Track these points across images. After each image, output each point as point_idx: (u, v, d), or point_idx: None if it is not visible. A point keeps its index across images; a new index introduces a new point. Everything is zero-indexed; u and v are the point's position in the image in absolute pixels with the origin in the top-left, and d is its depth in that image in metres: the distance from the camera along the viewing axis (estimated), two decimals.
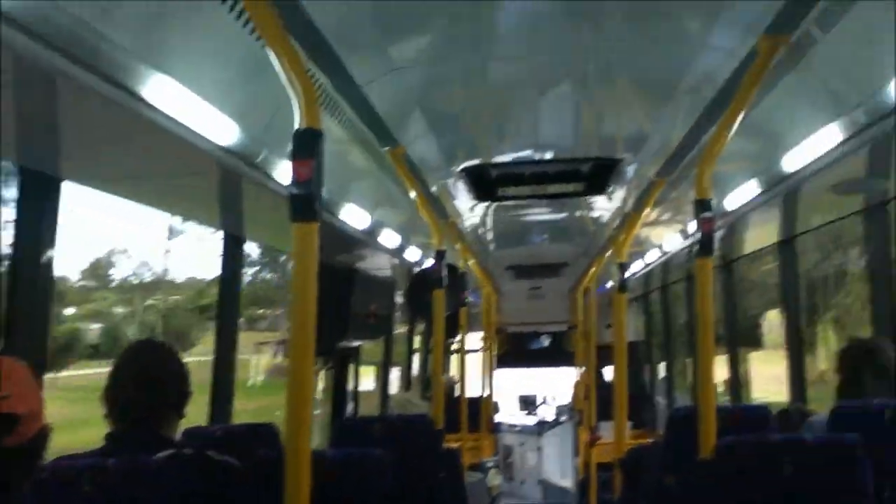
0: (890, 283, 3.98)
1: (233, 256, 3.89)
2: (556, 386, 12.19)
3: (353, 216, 4.18)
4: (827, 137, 2.93)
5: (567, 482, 9.48)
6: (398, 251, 5.47)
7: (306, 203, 1.72)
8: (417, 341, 8.76)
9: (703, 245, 2.55)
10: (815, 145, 3.05)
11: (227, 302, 4.00)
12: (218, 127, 2.51)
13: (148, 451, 2.01)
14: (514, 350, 10.96)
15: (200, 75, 2.28)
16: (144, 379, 2.17)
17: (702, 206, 2.57)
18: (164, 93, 2.14)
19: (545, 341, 11.11)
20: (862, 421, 2.55)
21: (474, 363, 7.54)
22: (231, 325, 4.04)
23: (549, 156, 3.89)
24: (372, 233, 4.75)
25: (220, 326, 4.02)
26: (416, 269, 6.22)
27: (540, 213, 5.40)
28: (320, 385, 6.06)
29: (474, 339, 8.50)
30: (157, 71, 2.05)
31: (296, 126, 1.80)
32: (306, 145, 1.75)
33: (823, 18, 2.30)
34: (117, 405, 2.16)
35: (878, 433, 2.53)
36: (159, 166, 2.76)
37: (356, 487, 2.18)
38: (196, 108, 2.32)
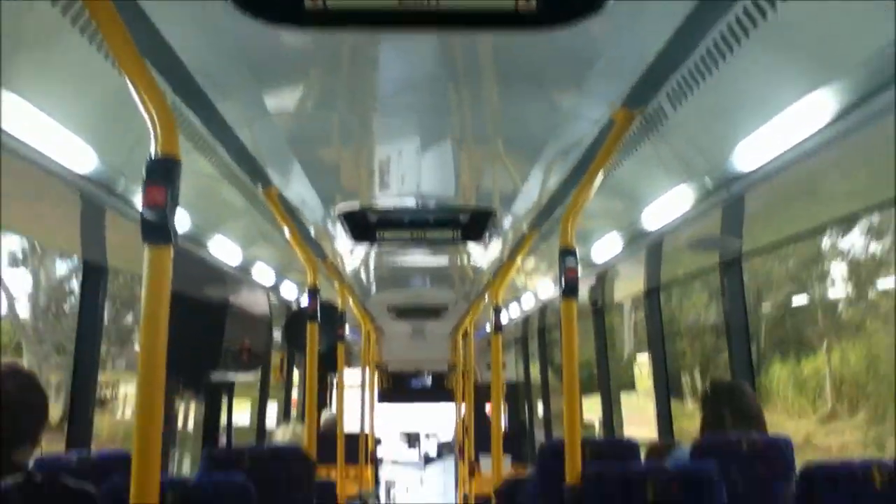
0: (746, 332, 4.23)
1: (94, 287, 3.76)
2: (439, 423, 12.34)
3: (226, 252, 4.12)
4: (680, 199, 3.15)
5: None
6: (274, 288, 5.41)
7: (159, 226, 1.65)
8: (298, 377, 8.64)
9: (568, 288, 2.65)
10: (670, 206, 3.26)
11: (86, 333, 3.86)
12: (76, 154, 2.44)
13: None
14: (396, 386, 11.01)
15: (59, 101, 2.23)
16: (1, 405, 2.08)
17: (566, 253, 2.67)
18: (17, 115, 2.08)
19: (427, 380, 11.22)
20: (720, 452, 2.75)
21: (356, 398, 7.49)
22: (91, 356, 3.90)
23: (426, 203, 3.96)
24: (246, 269, 4.69)
25: (79, 357, 3.87)
26: (294, 307, 6.17)
27: (421, 259, 5.46)
28: (192, 418, 5.89)
29: (356, 376, 8.46)
30: (10, 91, 2.00)
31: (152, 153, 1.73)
32: (161, 172, 1.68)
33: (673, 95, 2.48)
34: None
35: (735, 463, 2.76)
36: (16, 191, 2.65)
37: None
38: (52, 134, 2.27)
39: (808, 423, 14.46)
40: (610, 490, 2.45)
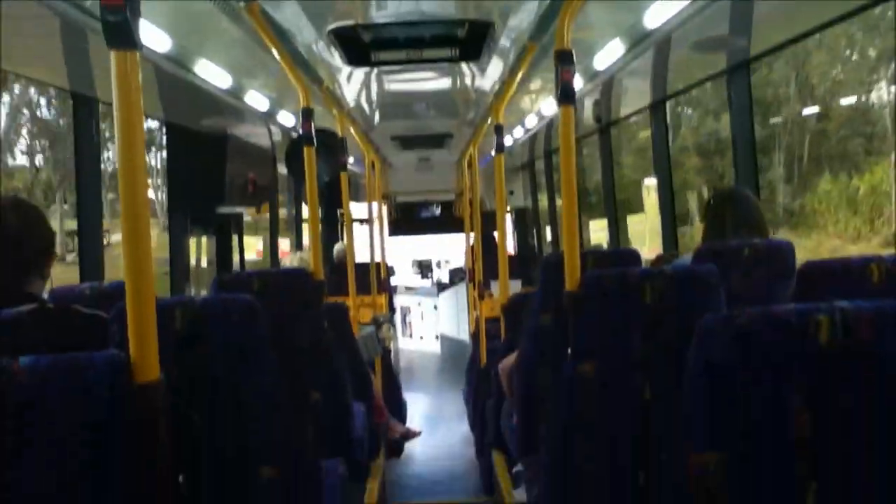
0: (752, 143, 4.15)
1: (86, 119, 3.71)
2: (450, 250, 12.60)
3: (217, 77, 4.03)
4: None
5: (463, 335, 9.98)
6: (270, 116, 5.32)
7: (121, 27, 1.56)
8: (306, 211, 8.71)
9: (564, 93, 2.54)
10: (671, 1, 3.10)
11: (85, 167, 3.85)
12: None
13: (9, 306, 1.93)
14: (405, 218, 11.12)
15: None
16: (5, 236, 2.08)
17: (562, 57, 2.55)
18: None
19: (436, 210, 11.30)
20: (721, 258, 2.71)
21: (366, 230, 7.59)
22: (93, 189, 3.91)
23: (421, 18, 3.78)
24: (238, 96, 4.59)
25: (81, 191, 3.88)
26: (294, 135, 6.10)
27: (422, 84, 5.31)
28: (204, 255, 6.00)
29: (364, 209, 8.53)
30: None
31: None
32: None
33: None
34: None
35: (735, 267, 2.73)
36: None
37: (227, 332, 2.15)
38: None
39: (867, 247, 12.85)
40: (608, 293, 2.44)
